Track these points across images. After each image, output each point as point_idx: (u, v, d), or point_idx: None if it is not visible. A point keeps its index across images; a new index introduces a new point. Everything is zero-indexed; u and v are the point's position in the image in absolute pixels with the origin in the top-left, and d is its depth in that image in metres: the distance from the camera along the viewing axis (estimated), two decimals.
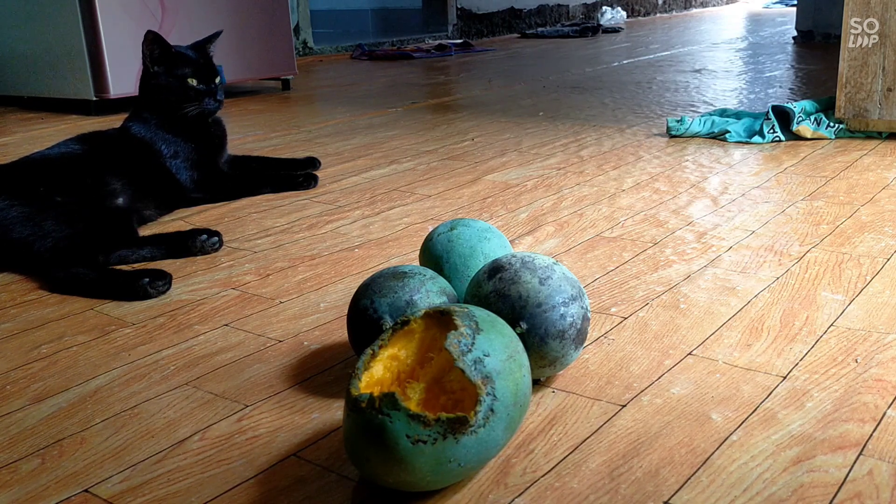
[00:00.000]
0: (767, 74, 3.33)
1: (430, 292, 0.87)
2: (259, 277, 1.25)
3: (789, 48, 4.30)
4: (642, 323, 1.02)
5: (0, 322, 1.13)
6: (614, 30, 5.97)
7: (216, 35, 1.74)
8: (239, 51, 3.14)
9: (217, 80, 1.67)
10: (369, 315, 0.86)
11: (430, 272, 0.90)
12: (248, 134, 2.45)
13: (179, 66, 1.64)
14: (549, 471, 0.72)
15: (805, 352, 0.92)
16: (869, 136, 2.01)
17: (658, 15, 7.62)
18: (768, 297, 1.08)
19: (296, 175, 1.78)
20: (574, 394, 0.86)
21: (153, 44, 1.62)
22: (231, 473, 0.74)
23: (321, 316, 1.09)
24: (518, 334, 0.81)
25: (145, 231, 1.48)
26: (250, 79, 3.30)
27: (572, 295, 0.84)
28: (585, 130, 2.29)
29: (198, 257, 1.35)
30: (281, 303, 1.14)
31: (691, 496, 0.68)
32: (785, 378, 0.87)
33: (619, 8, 6.63)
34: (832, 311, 1.03)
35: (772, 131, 2.03)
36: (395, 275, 0.88)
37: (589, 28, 5.78)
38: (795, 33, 4.58)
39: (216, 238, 1.38)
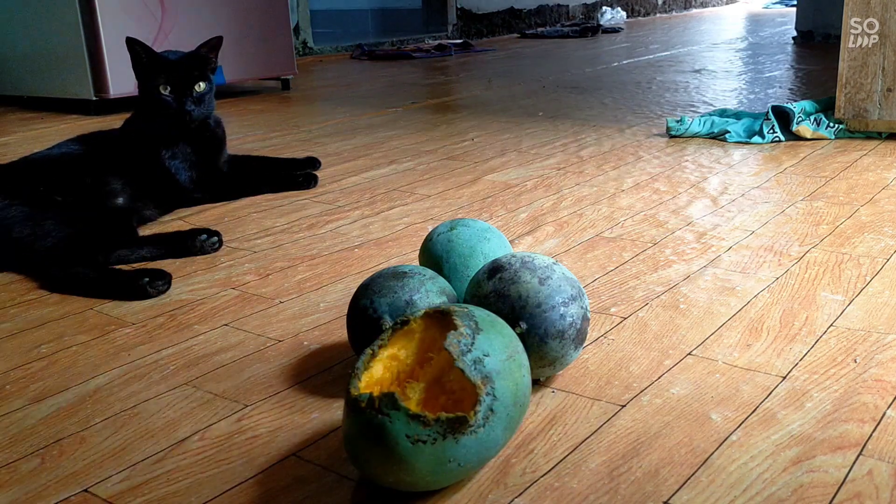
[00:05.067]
0: (767, 75, 3.33)
1: (430, 292, 0.87)
2: (259, 277, 1.25)
3: (789, 48, 4.30)
4: (642, 323, 1.02)
5: (0, 322, 1.13)
6: (614, 30, 5.96)
7: (215, 39, 1.69)
8: (239, 51, 3.14)
9: (199, 88, 1.60)
10: (369, 315, 0.86)
11: (429, 272, 0.90)
12: (248, 134, 2.45)
13: (153, 76, 1.59)
14: (549, 471, 0.72)
15: (805, 352, 0.93)
16: (869, 136, 2.01)
17: (658, 15, 7.62)
18: (768, 298, 1.08)
19: (296, 175, 1.78)
20: (574, 394, 0.86)
21: (132, 47, 1.60)
22: (231, 473, 0.74)
23: (321, 316, 1.09)
24: (518, 334, 0.81)
25: (145, 231, 1.48)
26: (250, 79, 3.30)
27: (572, 295, 0.84)
28: (585, 130, 2.29)
29: (198, 257, 1.35)
30: (281, 303, 1.14)
31: (691, 496, 0.68)
32: (784, 378, 0.87)
33: (619, 8, 6.63)
34: (832, 311, 1.03)
35: (771, 131, 2.03)
36: (395, 275, 0.88)
37: (589, 28, 5.78)
38: (795, 33, 4.58)
39: (216, 238, 1.38)
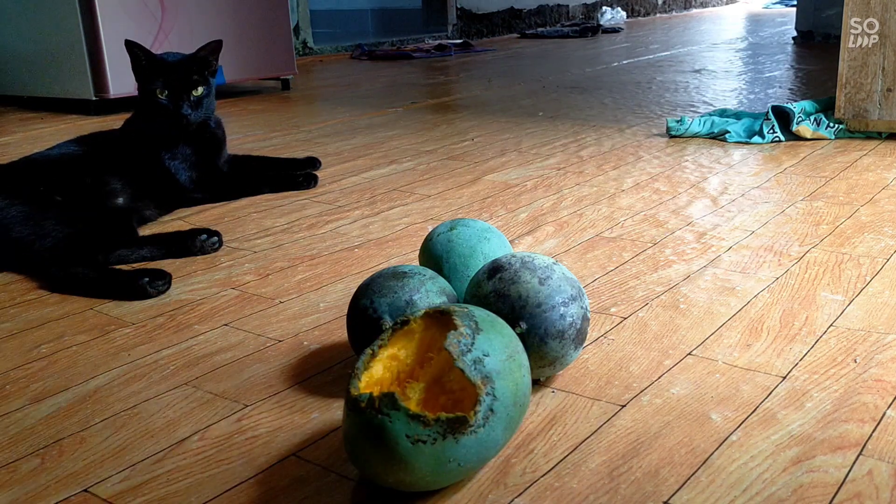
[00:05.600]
0: (767, 75, 3.33)
1: (430, 292, 0.87)
2: (259, 277, 1.25)
3: (789, 48, 4.30)
4: (642, 323, 1.02)
5: (0, 322, 1.13)
6: (614, 30, 5.97)
7: (215, 43, 1.67)
8: (239, 51, 3.14)
9: (196, 91, 1.60)
10: (369, 315, 0.86)
11: (429, 272, 0.90)
12: (248, 134, 2.45)
13: (152, 79, 1.60)
14: (549, 471, 0.72)
15: (805, 352, 0.93)
16: (869, 136, 2.01)
17: (658, 15, 7.62)
18: (768, 298, 1.08)
19: (296, 175, 1.78)
20: (574, 394, 0.86)
21: (131, 50, 1.60)
22: (231, 473, 0.74)
23: (321, 316, 1.09)
24: (518, 334, 0.81)
25: (145, 231, 1.48)
26: (250, 79, 3.30)
27: (572, 295, 0.84)
28: (585, 130, 2.29)
29: (198, 257, 1.35)
30: (281, 303, 1.14)
31: (691, 496, 0.68)
32: (784, 378, 0.87)
33: (619, 8, 6.63)
34: (832, 311, 1.03)
35: (771, 131, 2.03)
36: (395, 275, 0.88)
37: (589, 28, 5.78)
38: (795, 33, 4.58)
39: (216, 238, 1.38)
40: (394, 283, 0.87)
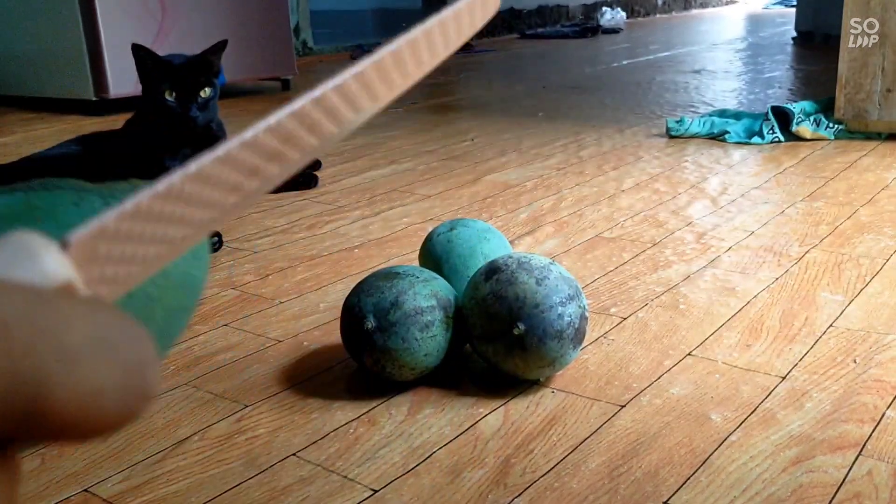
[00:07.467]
0: (767, 75, 3.33)
1: (419, 295, 0.86)
2: (259, 277, 1.25)
3: (789, 49, 4.30)
4: (642, 323, 1.02)
5: None
6: (614, 30, 5.97)
7: (220, 44, 1.67)
8: (239, 51, 3.14)
9: (203, 93, 1.59)
10: (355, 314, 0.86)
11: (425, 274, 0.90)
12: None
13: (158, 81, 1.59)
14: (549, 471, 0.72)
15: (804, 352, 0.93)
16: (868, 136, 2.01)
17: (658, 15, 7.62)
18: (768, 298, 1.08)
19: (296, 175, 1.78)
20: (574, 394, 0.86)
21: (136, 53, 1.59)
22: (231, 473, 0.74)
23: (321, 316, 1.09)
24: (516, 335, 0.81)
25: None
26: (250, 79, 3.30)
27: (569, 295, 0.84)
28: (585, 130, 2.29)
29: None
30: (280, 303, 1.15)
31: (690, 496, 0.68)
32: (784, 378, 0.87)
33: (619, 8, 6.63)
34: (831, 311, 1.03)
35: (771, 132, 2.03)
36: (387, 275, 0.88)
37: (589, 29, 5.78)
38: (795, 34, 4.58)
39: (216, 238, 1.38)
40: (382, 284, 0.87)
